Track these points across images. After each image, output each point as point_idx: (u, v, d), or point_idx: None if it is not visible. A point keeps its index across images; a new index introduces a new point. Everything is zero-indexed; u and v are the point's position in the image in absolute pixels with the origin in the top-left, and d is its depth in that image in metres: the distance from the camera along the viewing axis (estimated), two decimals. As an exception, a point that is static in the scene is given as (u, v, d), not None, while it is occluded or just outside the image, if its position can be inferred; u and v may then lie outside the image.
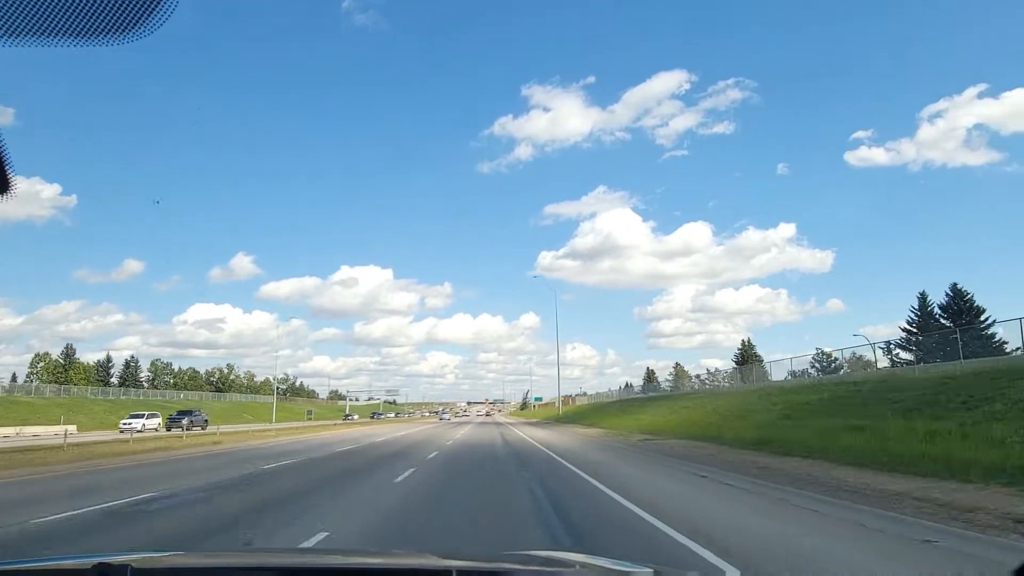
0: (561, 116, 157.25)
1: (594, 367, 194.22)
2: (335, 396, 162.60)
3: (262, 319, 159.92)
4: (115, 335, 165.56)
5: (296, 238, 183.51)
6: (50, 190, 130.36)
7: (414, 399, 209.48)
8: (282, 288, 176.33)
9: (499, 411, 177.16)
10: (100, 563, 1.65)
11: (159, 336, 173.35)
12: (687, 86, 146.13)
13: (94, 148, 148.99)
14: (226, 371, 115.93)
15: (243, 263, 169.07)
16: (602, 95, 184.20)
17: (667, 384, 73.26)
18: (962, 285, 48.62)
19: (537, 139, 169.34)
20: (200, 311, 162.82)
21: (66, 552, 6.04)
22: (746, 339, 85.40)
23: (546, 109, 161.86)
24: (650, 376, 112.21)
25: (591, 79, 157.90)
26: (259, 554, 3.81)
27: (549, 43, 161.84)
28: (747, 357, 77.05)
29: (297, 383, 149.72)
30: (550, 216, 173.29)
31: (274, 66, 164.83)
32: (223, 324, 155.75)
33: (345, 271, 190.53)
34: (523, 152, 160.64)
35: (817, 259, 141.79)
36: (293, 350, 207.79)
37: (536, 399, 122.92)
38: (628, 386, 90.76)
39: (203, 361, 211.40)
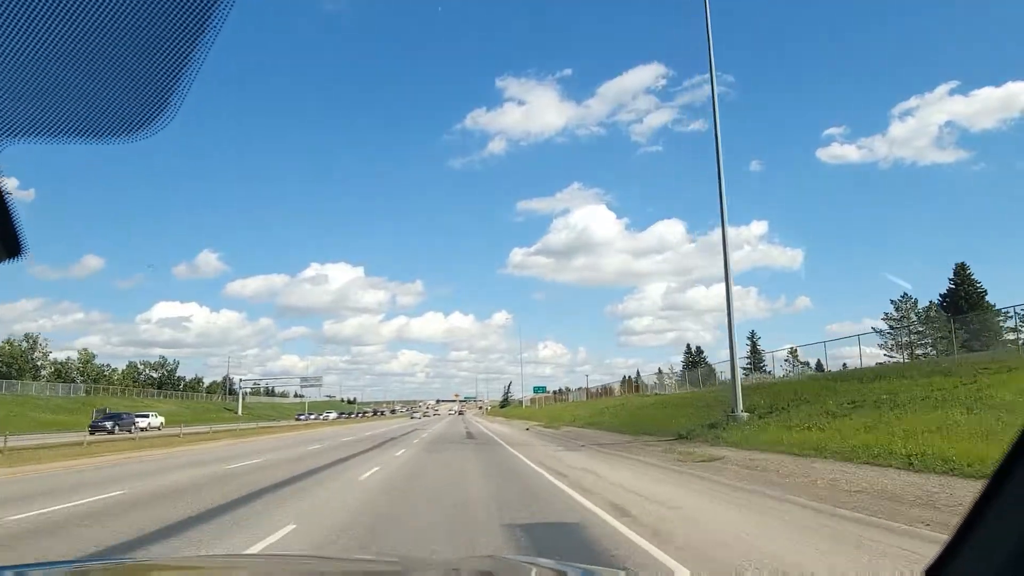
0: (536, 110, 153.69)
1: (565, 365, 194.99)
2: (259, 391, 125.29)
3: (229, 317, 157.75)
4: (75, 334, 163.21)
5: (264, 235, 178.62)
6: (8, 184, 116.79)
7: (378, 397, 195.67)
8: (249, 286, 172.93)
9: (479, 407, 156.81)
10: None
11: (121, 335, 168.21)
12: (663, 81, 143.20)
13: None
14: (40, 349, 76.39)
15: (209, 260, 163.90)
16: (578, 88, 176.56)
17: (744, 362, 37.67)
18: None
19: (511, 133, 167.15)
20: (165, 309, 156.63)
21: None
22: None
23: (521, 102, 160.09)
24: (696, 358, 76.62)
25: (568, 71, 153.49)
26: (215, 560, 3.58)
27: (526, 33, 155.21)
28: None
29: (175, 371, 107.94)
30: (523, 213, 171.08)
31: (238, 59, 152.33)
32: (189, 323, 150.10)
33: (315, 268, 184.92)
34: (496, 147, 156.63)
35: (788, 256, 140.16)
36: (261, 348, 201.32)
37: (538, 390, 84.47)
38: (658, 372, 56.29)
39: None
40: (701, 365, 60.97)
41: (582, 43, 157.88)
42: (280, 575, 2.11)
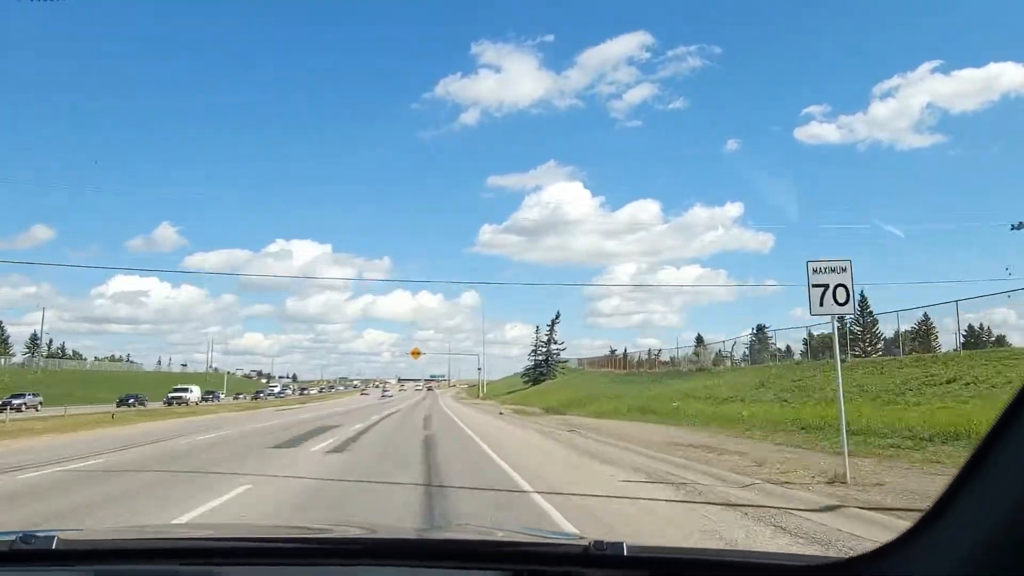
0: (512, 79, 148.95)
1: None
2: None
3: (190, 293, 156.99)
4: (23, 309, 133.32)
5: (227, 209, 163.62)
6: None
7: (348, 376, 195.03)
8: (209, 260, 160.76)
9: (451, 384, 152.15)
10: (25, 534, 1.60)
11: (74, 311, 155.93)
12: (647, 54, 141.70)
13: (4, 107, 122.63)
14: None
15: (167, 233, 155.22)
16: (558, 56, 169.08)
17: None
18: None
19: (484, 103, 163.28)
20: (121, 283, 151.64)
21: None
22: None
23: (497, 70, 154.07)
24: None
25: (550, 37, 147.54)
26: (197, 529, 3.55)
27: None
28: None
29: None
30: (494, 189, 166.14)
31: (194, 24, 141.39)
32: (146, 298, 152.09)
33: (280, 244, 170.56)
34: (469, 118, 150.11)
35: (759, 240, 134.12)
36: (223, 326, 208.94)
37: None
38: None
39: (127, 338, 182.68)
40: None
41: (569, 3, 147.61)
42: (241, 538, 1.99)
